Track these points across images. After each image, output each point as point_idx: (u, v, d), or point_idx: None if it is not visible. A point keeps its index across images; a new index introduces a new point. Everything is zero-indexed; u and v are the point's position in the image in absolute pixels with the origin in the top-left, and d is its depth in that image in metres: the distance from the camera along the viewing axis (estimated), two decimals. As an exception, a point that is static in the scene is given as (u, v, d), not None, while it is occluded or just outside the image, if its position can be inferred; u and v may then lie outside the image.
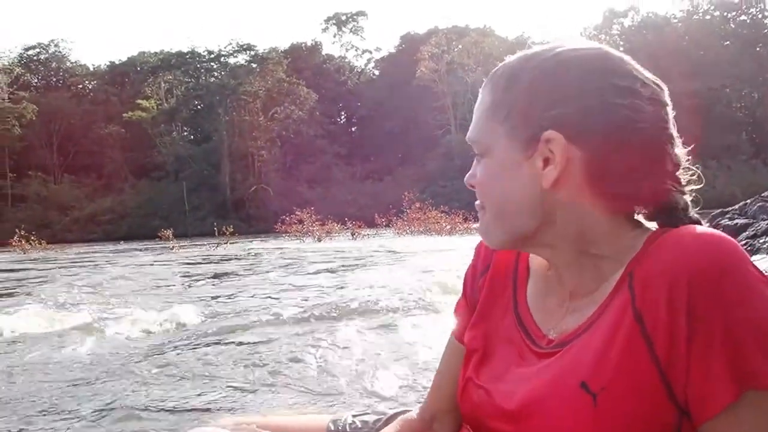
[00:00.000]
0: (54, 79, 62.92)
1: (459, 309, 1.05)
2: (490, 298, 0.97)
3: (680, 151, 0.84)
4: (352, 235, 27.05)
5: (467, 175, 0.91)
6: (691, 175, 0.87)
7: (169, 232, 24.95)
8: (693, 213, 0.86)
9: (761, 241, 5.87)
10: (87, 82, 64.18)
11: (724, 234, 0.75)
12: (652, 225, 0.86)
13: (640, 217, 0.86)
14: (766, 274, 0.74)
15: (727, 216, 6.83)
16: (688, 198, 0.86)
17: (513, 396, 0.84)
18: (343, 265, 11.65)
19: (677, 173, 0.84)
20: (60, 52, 62.64)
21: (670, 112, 0.84)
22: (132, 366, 3.83)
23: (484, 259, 1.02)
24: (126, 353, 4.24)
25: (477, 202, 0.90)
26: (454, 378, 1.01)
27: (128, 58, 62.42)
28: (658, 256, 0.76)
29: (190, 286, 8.99)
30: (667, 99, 0.84)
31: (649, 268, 0.76)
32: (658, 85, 0.83)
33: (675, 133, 0.84)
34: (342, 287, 7.77)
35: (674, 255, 0.74)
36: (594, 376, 0.75)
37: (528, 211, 0.84)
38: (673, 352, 0.72)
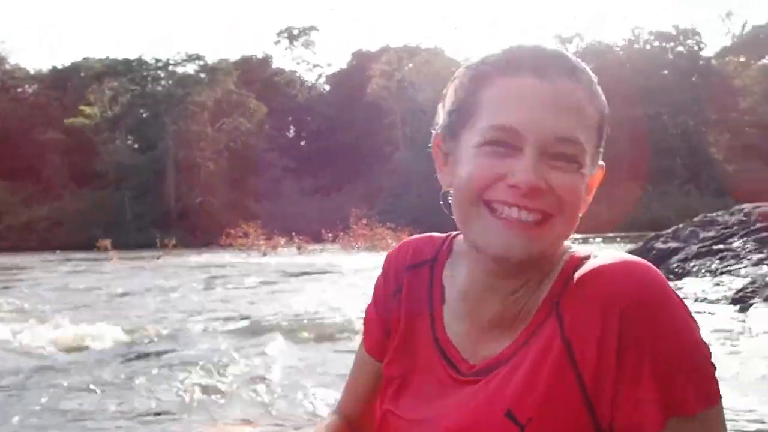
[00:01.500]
0: (-9, 82, 60.60)
1: (370, 322, 1.00)
2: (409, 323, 0.92)
3: None
4: (298, 249, 26.84)
5: (534, 178, 0.76)
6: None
7: (107, 242, 24.21)
8: None
9: (691, 264, 6.10)
10: (27, 86, 62.01)
11: (648, 263, 0.76)
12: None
13: None
14: (684, 298, 0.79)
15: (661, 239, 7.08)
16: None
17: (436, 427, 0.82)
18: (283, 280, 11.53)
19: None
20: (-1, 53, 60.46)
21: None
22: (53, 381, 3.69)
23: (395, 278, 0.97)
24: (47, 368, 4.07)
25: (530, 212, 0.77)
26: (363, 387, 1.00)
27: (72, 63, 60.66)
28: (587, 285, 0.75)
29: (122, 300, 8.73)
30: None
31: (578, 298, 0.75)
32: None
33: None
34: (279, 302, 7.68)
35: (605, 285, 0.74)
36: (520, 405, 0.75)
37: (575, 223, 0.82)
38: (600, 382, 0.72)
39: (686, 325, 0.73)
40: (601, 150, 0.85)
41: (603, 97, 0.84)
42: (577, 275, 0.77)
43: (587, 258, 0.80)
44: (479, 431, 0.77)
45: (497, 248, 0.78)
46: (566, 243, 0.85)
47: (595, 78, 0.84)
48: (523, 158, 0.77)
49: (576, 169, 0.79)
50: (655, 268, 0.76)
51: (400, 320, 0.94)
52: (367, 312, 1.02)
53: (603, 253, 0.80)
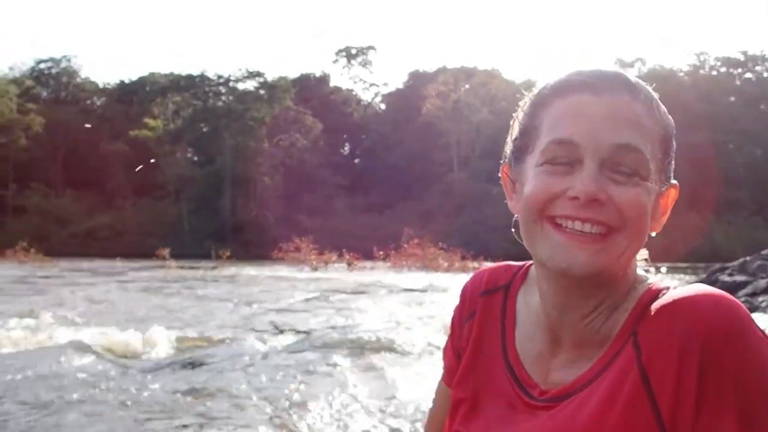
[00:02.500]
0: (63, 94, 63.38)
1: (446, 353, 1.01)
2: (478, 347, 0.93)
3: None
4: (349, 266, 26.94)
5: (594, 188, 0.77)
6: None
7: (165, 251, 24.83)
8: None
9: (760, 299, 5.82)
10: (96, 98, 64.66)
11: (731, 297, 0.74)
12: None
13: None
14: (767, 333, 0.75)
15: (726, 272, 6.78)
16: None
17: None
18: (336, 297, 11.55)
19: None
20: (71, 67, 63.26)
21: None
22: (111, 387, 3.75)
23: (470, 303, 0.98)
24: (106, 373, 4.15)
25: (591, 223, 0.77)
26: (443, 416, 0.99)
27: (138, 77, 62.97)
28: (667, 315, 0.74)
29: (178, 309, 8.89)
30: None
31: (657, 328, 0.74)
32: None
33: None
34: (332, 320, 7.68)
35: (686, 317, 0.72)
36: None
37: (643, 237, 0.81)
38: (679, 415, 0.70)
39: None
40: (671, 165, 0.83)
41: (666, 113, 0.84)
42: (655, 305, 0.76)
43: (666, 289, 0.79)
44: None
45: (561, 262, 0.78)
46: (643, 273, 0.85)
47: (656, 95, 0.85)
48: (582, 170, 0.77)
49: (638, 181, 0.77)
50: (741, 304, 0.74)
51: (470, 342, 0.94)
52: (444, 350, 1.03)
53: (683, 286, 0.79)
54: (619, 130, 0.78)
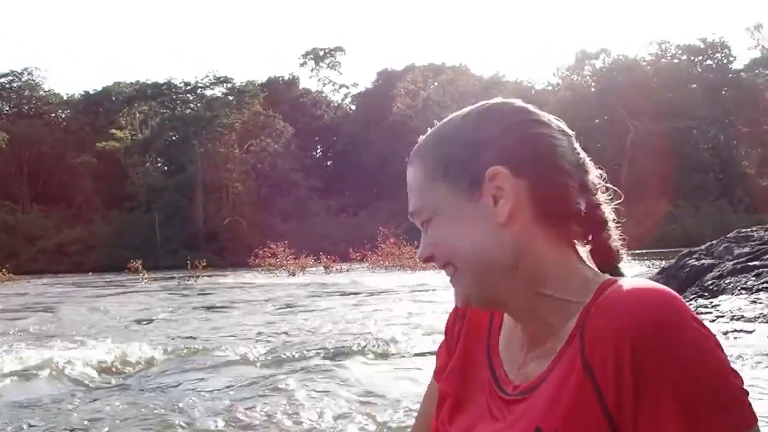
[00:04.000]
0: (26, 108, 62.19)
1: (440, 352, 1.06)
2: (468, 345, 0.99)
3: (593, 176, 0.89)
4: (326, 269, 26.91)
5: (420, 250, 0.91)
6: (613, 204, 0.90)
7: (138, 264, 24.48)
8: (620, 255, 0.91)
9: (727, 281, 5.95)
10: (60, 111, 63.61)
11: (667, 289, 0.78)
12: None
13: (590, 263, 0.88)
14: (707, 327, 0.77)
15: (694, 256, 6.93)
16: (617, 242, 0.91)
17: None
18: (312, 302, 11.54)
19: (599, 200, 0.89)
20: (33, 80, 62.06)
21: (576, 143, 0.89)
22: (93, 405, 3.71)
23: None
24: (86, 393, 4.11)
25: (444, 269, 0.89)
26: (431, 413, 1.03)
27: (103, 87, 62.02)
28: (606, 309, 0.78)
29: (154, 322, 8.81)
30: (569, 130, 0.89)
31: (598, 321, 0.78)
32: (558, 119, 0.90)
33: (588, 161, 0.89)
34: (310, 325, 7.67)
35: (621, 310, 0.76)
36: (547, 421, 0.78)
37: (495, 253, 0.84)
38: (621, 404, 0.74)
39: (705, 351, 0.74)
40: (468, 166, 0.86)
41: (432, 145, 0.91)
42: (599, 300, 0.80)
43: (616, 283, 0.81)
44: None
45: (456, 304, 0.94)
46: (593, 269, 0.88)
47: (435, 137, 0.91)
48: None
49: (432, 225, 0.88)
50: (674, 293, 0.77)
51: (460, 341, 1.00)
52: (438, 349, 1.07)
53: (628, 278, 0.83)
54: (410, 200, 0.91)
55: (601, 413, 0.75)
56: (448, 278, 0.90)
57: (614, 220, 0.90)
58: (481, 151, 0.86)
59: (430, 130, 0.94)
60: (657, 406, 0.73)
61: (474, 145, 0.86)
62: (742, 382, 0.75)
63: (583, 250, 0.88)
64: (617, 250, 0.91)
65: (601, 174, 0.90)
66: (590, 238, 0.89)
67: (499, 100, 0.91)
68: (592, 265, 0.88)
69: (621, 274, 0.89)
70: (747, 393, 0.75)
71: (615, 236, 0.91)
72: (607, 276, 0.86)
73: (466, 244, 0.85)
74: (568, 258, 0.86)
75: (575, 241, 0.87)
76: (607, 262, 0.90)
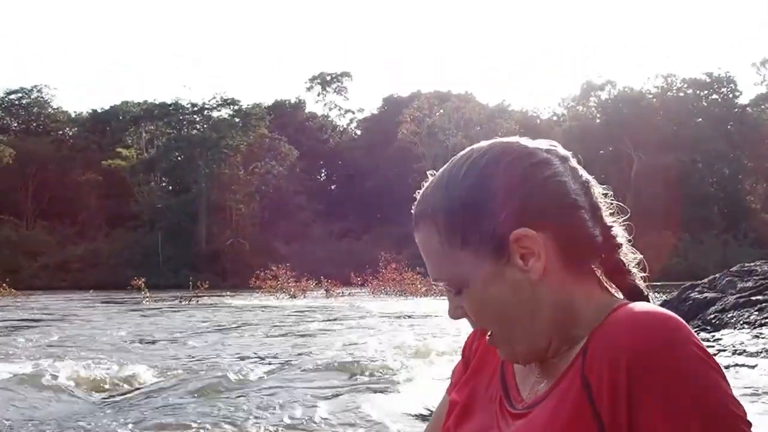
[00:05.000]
0: (34, 125, 62.73)
1: (456, 368, 1.08)
2: (483, 358, 1.00)
3: (598, 192, 0.89)
4: (327, 293, 26.83)
5: (450, 311, 0.90)
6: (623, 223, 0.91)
7: (141, 282, 24.41)
8: (638, 282, 0.91)
9: (729, 315, 5.92)
10: (67, 128, 64.08)
11: (669, 312, 0.78)
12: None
13: (608, 285, 0.90)
14: (710, 354, 0.77)
15: (697, 289, 6.90)
16: (636, 269, 0.91)
17: None
18: (313, 325, 11.50)
19: (609, 221, 0.89)
20: (42, 97, 62.71)
21: (574, 162, 0.89)
22: (86, 422, 3.69)
23: None
24: (81, 410, 4.08)
25: (485, 334, 0.90)
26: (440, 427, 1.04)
27: (111, 106, 62.56)
28: (608, 330, 0.79)
29: (154, 341, 8.77)
30: (564, 152, 0.89)
31: (599, 341, 0.79)
32: (552, 145, 0.89)
33: (588, 177, 0.89)
34: (309, 348, 7.63)
35: (619, 331, 0.77)
36: None
37: (536, 309, 0.85)
38: (616, 423, 0.74)
39: (704, 376, 0.73)
40: (488, 231, 0.84)
41: (443, 211, 0.86)
42: (604, 322, 0.81)
43: (624, 306, 0.83)
44: None
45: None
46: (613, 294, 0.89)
47: (440, 201, 0.87)
48: None
49: (464, 292, 0.86)
50: (681, 321, 0.77)
51: (476, 355, 1.02)
52: (455, 367, 1.09)
53: (638, 303, 0.84)
54: (430, 267, 0.89)
55: (595, 429, 0.75)
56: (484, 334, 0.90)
57: (626, 238, 0.91)
58: (497, 214, 0.84)
59: (429, 186, 0.91)
60: (651, 423, 0.72)
61: (486, 208, 0.85)
62: (743, 411, 0.74)
63: (600, 273, 0.89)
64: (631, 269, 0.91)
65: (605, 191, 0.90)
66: (605, 259, 0.89)
67: (492, 145, 0.89)
68: (610, 287, 0.89)
69: (640, 292, 0.90)
70: (749, 424, 0.74)
71: (630, 255, 0.91)
72: (621, 300, 0.88)
73: (505, 307, 0.85)
74: (592, 291, 0.87)
75: (594, 267, 0.88)
76: (624, 280, 0.90)
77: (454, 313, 0.90)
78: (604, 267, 0.89)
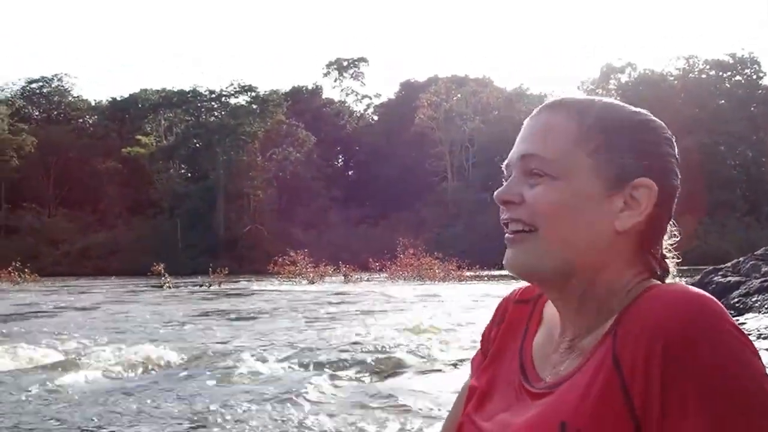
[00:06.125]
0: (55, 113, 63.37)
1: (475, 358, 1.07)
2: (502, 345, 1.00)
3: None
4: (345, 278, 26.91)
5: (504, 190, 0.88)
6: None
7: (161, 267, 24.64)
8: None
9: (754, 299, 5.82)
10: (87, 116, 64.64)
11: (707, 294, 0.77)
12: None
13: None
14: (745, 334, 0.76)
15: (720, 273, 6.78)
16: (670, 254, 0.92)
17: None
18: (333, 309, 11.53)
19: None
20: (62, 86, 63.26)
21: None
22: (116, 404, 3.73)
23: (502, 311, 1.06)
24: (109, 391, 4.13)
25: (514, 222, 0.86)
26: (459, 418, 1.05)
27: (130, 94, 63.00)
28: (642, 309, 0.78)
29: (176, 326, 8.85)
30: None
31: (632, 320, 0.78)
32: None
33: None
34: (330, 333, 7.65)
35: (655, 311, 0.76)
36: (573, 417, 0.77)
37: (593, 247, 0.84)
38: (648, 405, 0.73)
39: (740, 356, 0.73)
40: (632, 162, 0.85)
41: (607, 117, 0.87)
42: (638, 301, 0.80)
43: (656, 286, 0.82)
44: None
45: (504, 264, 0.89)
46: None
47: (602, 102, 0.89)
48: None
49: (548, 181, 0.84)
50: (716, 301, 0.76)
51: (496, 342, 1.02)
52: (473, 358, 1.09)
53: (670, 283, 0.84)
54: (525, 142, 0.88)
55: (626, 410, 0.74)
56: (508, 230, 0.87)
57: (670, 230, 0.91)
58: (644, 157, 0.85)
59: (590, 99, 0.90)
60: (684, 407, 0.71)
61: (641, 146, 0.86)
62: None
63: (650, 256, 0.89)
64: (666, 255, 0.91)
65: None
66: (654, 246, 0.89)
67: (648, 114, 0.90)
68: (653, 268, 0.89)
69: (668, 275, 0.90)
70: None
71: (667, 247, 0.92)
72: (653, 281, 0.87)
73: (572, 224, 0.84)
74: (640, 271, 0.87)
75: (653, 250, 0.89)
76: (661, 264, 0.90)
77: (507, 196, 0.87)
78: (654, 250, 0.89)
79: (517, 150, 0.89)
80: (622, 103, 0.90)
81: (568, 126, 0.87)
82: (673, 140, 0.90)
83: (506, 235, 0.88)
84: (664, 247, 0.91)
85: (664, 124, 0.90)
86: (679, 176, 0.89)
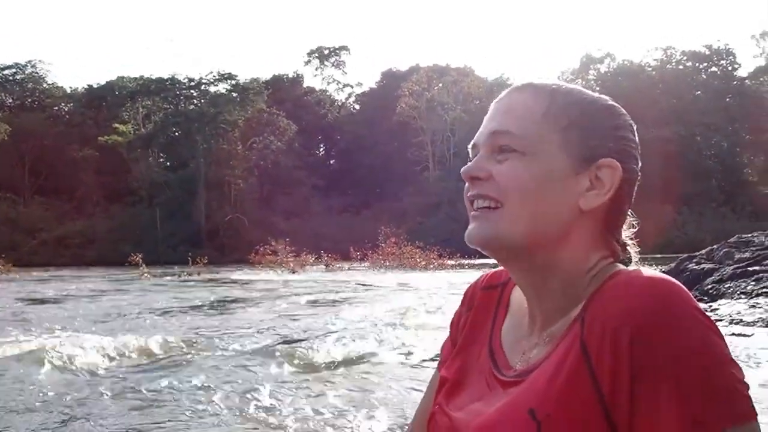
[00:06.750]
0: (29, 100, 62.18)
1: (445, 344, 1.07)
2: (471, 333, 1.00)
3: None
4: (327, 267, 26.92)
5: (471, 166, 0.88)
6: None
7: (139, 258, 24.43)
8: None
9: (726, 285, 5.94)
10: (63, 104, 63.55)
11: (672, 279, 0.77)
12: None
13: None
14: (710, 317, 0.76)
15: (694, 260, 6.92)
16: (631, 241, 0.92)
17: (471, 423, 0.87)
18: (313, 298, 11.54)
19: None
20: (37, 73, 62.02)
21: None
22: (92, 393, 3.71)
23: (470, 298, 1.05)
24: (86, 381, 4.11)
25: (481, 198, 0.87)
26: (431, 404, 1.04)
27: (107, 82, 61.98)
28: (609, 295, 0.78)
29: (152, 316, 8.80)
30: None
31: (599, 306, 0.78)
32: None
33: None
34: (306, 323, 7.67)
35: (621, 297, 0.76)
36: (541, 403, 0.78)
37: (557, 224, 0.85)
38: (617, 390, 0.73)
39: (707, 341, 0.73)
40: (600, 143, 0.87)
41: (577, 100, 0.88)
42: (606, 286, 0.80)
43: (622, 271, 0.82)
44: (502, 428, 0.81)
45: (466, 238, 0.89)
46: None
47: (568, 86, 0.90)
48: None
49: (516, 156, 0.85)
50: (681, 286, 0.76)
51: (464, 330, 1.02)
52: (443, 345, 1.09)
53: (635, 268, 0.84)
54: (495, 119, 0.88)
55: (594, 397, 0.75)
56: (473, 205, 0.88)
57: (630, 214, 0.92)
58: (609, 140, 0.87)
59: (557, 82, 0.91)
60: (654, 393, 0.72)
61: (605, 129, 0.87)
62: (742, 374, 0.74)
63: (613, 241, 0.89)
64: (626, 245, 0.91)
65: None
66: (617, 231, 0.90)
67: (611, 100, 0.92)
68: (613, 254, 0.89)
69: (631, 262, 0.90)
70: (747, 386, 0.74)
71: (627, 236, 0.92)
72: (618, 266, 0.87)
73: (537, 199, 0.84)
74: (604, 255, 0.87)
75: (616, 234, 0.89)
76: (621, 253, 0.90)
77: (475, 171, 0.88)
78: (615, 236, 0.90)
79: (485, 128, 0.89)
80: (585, 89, 0.91)
81: (539, 104, 0.87)
82: (635, 127, 0.91)
83: (471, 213, 0.88)
84: (624, 236, 0.91)
85: (625, 111, 0.91)
86: (640, 163, 0.90)
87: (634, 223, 0.93)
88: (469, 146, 0.92)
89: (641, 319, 0.73)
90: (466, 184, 0.89)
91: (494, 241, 0.86)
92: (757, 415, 0.73)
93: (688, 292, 0.76)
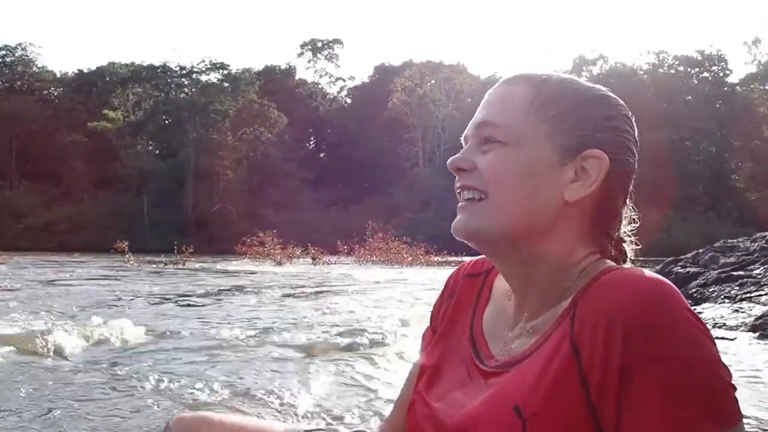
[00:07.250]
0: (18, 83, 61.53)
1: (425, 333, 1.07)
2: (452, 321, 1.00)
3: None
4: (313, 260, 26.86)
5: (458, 157, 0.88)
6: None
7: (124, 245, 24.27)
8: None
9: (711, 289, 5.95)
10: (53, 88, 62.93)
11: (665, 280, 0.76)
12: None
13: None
14: (702, 319, 0.76)
15: (680, 264, 6.93)
16: (629, 239, 0.92)
17: (453, 415, 0.86)
18: (297, 291, 11.50)
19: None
20: (27, 56, 61.41)
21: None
22: (76, 378, 3.66)
23: (452, 286, 1.05)
24: (65, 369, 4.05)
25: (466, 189, 0.87)
26: (410, 395, 1.04)
27: (97, 67, 61.46)
28: (600, 293, 0.77)
29: (136, 303, 8.73)
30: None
31: (591, 304, 0.77)
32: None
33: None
34: (286, 315, 7.63)
35: (614, 296, 0.75)
36: (527, 401, 0.76)
37: (541, 214, 0.84)
38: (605, 391, 0.73)
39: (697, 343, 0.73)
40: (586, 135, 0.85)
41: (567, 92, 0.87)
42: (596, 283, 0.79)
43: (615, 269, 0.81)
44: (487, 422, 0.80)
45: (452, 229, 0.89)
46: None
47: (559, 77, 0.89)
48: None
49: (499, 147, 0.84)
50: (674, 287, 0.76)
51: (446, 318, 1.00)
52: (424, 334, 1.08)
53: (626, 267, 0.84)
54: (483, 110, 0.88)
55: (582, 396, 0.74)
56: (461, 195, 0.88)
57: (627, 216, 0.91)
58: (599, 130, 0.85)
59: (549, 72, 0.90)
60: (642, 394, 0.71)
61: (593, 120, 0.86)
62: (730, 376, 0.74)
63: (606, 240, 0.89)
64: (623, 241, 0.91)
65: None
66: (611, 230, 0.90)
67: (607, 90, 0.91)
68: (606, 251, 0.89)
69: (625, 261, 0.91)
70: (734, 388, 0.74)
71: (626, 232, 0.92)
72: (609, 263, 0.86)
73: (521, 190, 0.84)
74: (592, 251, 0.86)
75: (609, 231, 0.89)
76: (612, 251, 0.90)
77: (459, 163, 0.87)
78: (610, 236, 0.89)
79: (473, 120, 0.89)
80: (580, 79, 0.90)
81: (525, 94, 0.86)
82: (633, 120, 0.90)
83: (459, 204, 0.88)
84: (622, 231, 0.90)
85: (623, 103, 0.90)
86: (637, 156, 0.88)
87: (634, 217, 0.92)
88: (462, 137, 0.92)
89: (635, 317, 0.72)
90: (455, 175, 0.89)
91: (478, 233, 0.86)
92: (741, 419, 0.73)
93: (680, 292, 0.76)
